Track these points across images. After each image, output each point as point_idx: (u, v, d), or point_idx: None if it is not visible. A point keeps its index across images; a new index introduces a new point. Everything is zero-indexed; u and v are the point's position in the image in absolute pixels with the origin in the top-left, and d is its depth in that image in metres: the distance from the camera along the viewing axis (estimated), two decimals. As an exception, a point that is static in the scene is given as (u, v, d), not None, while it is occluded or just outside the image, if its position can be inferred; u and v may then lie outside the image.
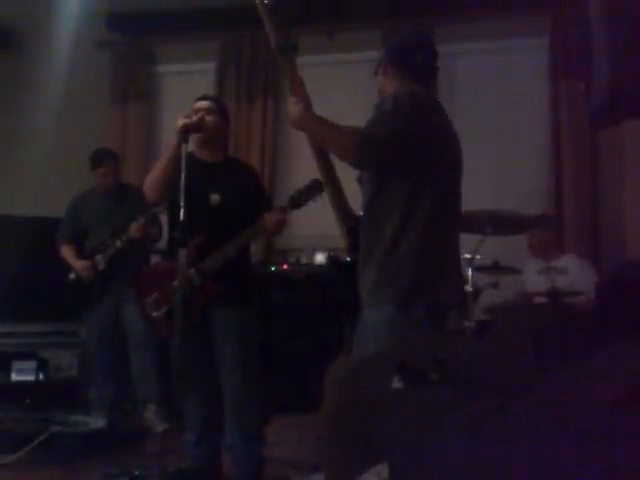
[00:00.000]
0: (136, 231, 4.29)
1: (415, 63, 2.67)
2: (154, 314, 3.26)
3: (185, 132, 3.01)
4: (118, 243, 4.43)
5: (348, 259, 2.71)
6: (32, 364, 4.81)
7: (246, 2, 5.47)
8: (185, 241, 2.88)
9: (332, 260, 4.72)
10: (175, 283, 2.99)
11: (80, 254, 4.64)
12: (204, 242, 3.13)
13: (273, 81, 5.68)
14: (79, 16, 5.65)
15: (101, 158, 4.78)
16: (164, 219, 3.73)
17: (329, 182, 2.67)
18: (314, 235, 5.11)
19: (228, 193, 3.22)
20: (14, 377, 4.78)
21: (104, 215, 4.64)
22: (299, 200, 3.23)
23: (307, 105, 2.51)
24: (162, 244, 4.38)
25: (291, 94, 2.54)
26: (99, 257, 4.52)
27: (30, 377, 4.78)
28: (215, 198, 3.20)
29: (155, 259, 4.66)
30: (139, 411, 4.60)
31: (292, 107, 2.52)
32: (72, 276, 4.59)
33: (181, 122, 3.03)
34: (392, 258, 2.41)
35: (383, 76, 2.66)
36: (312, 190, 3.22)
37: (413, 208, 2.41)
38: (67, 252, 4.66)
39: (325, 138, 2.52)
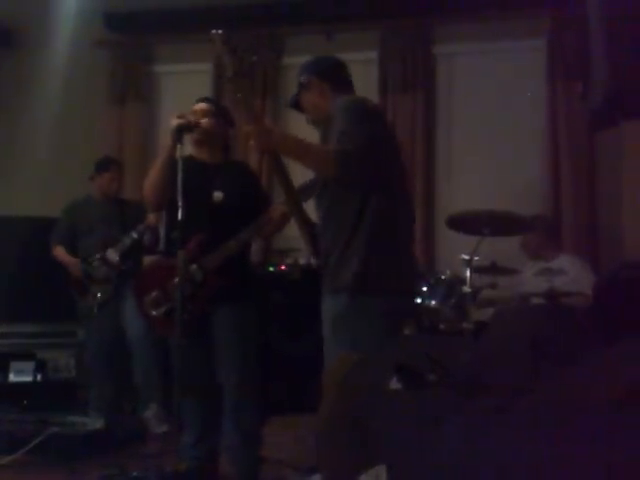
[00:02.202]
0: (154, 219, 4.32)
1: (341, 76, 2.83)
2: (153, 312, 3.25)
3: (179, 132, 3.03)
4: (134, 235, 4.44)
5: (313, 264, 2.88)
6: (30, 365, 4.80)
7: (244, 2, 5.52)
8: (184, 242, 2.89)
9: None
10: (175, 281, 2.98)
11: (73, 255, 4.63)
12: (206, 239, 3.13)
13: (272, 81, 5.69)
14: (77, 15, 5.65)
15: (109, 163, 4.81)
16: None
17: (288, 192, 2.75)
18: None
19: (230, 190, 3.23)
20: (12, 378, 4.77)
21: (101, 221, 4.63)
22: (304, 195, 3.24)
23: (267, 128, 2.55)
24: (160, 245, 4.39)
25: (250, 121, 2.55)
26: (111, 251, 4.51)
27: (28, 378, 4.77)
28: (217, 195, 3.22)
29: (147, 260, 4.66)
30: (139, 411, 4.59)
31: (255, 134, 2.52)
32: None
33: (175, 122, 3.06)
34: (348, 249, 2.57)
35: (311, 93, 2.76)
36: (317, 185, 3.23)
37: (367, 206, 2.56)
38: (59, 252, 4.65)
39: (298, 155, 2.61)
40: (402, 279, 2.63)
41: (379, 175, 2.57)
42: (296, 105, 2.85)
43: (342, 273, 2.58)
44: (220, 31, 2.54)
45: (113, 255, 4.51)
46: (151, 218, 4.37)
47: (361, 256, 2.55)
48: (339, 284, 2.59)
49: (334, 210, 2.65)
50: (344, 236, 2.59)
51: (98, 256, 4.53)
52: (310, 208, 2.81)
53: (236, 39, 2.56)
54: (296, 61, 5.80)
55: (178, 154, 2.95)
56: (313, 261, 2.86)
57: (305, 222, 2.78)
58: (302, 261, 5.15)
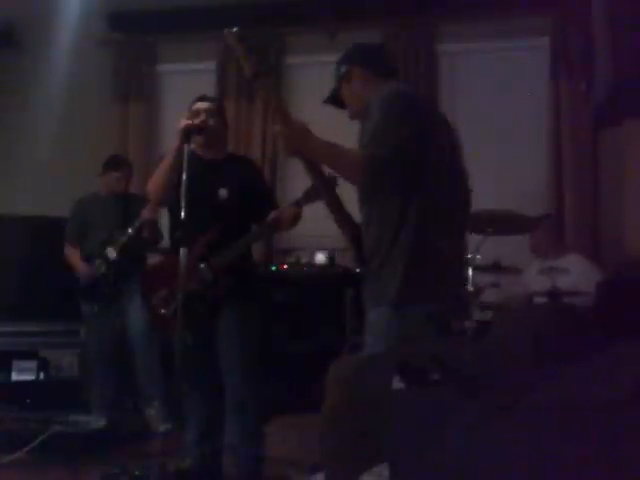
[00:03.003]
0: (149, 213, 4.30)
1: (384, 61, 2.65)
2: (163, 311, 3.24)
3: (187, 133, 3.01)
4: (130, 231, 4.43)
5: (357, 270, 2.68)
6: (33, 364, 4.80)
7: (245, 2, 5.51)
8: (187, 240, 2.88)
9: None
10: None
11: (84, 256, 4.63)
12: (214, 237, 3.13)
13: (274, 80, 5.68)
14: (81, 14, 5.65)
15: (119, 162, 4.81)
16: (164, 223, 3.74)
17: (328, 196, 2.60)
18: (314, 235, 5.11)
19: (234, 187, 3.23)
20: (14, 377, 4.77)
21: (107, 218, 4.63)
22: (314, 194, 3.24)
23: (297, 130, 2.39)
24: (165, 243, 4.39)
25: (278, 121, 2.41)
26: (110, 248, 4.51)
27: (30, 377, 4.77)
28: (223, 193, 3.21)
29: (152, 260, 4.67)
30: (142, 408, 4.60)
31: (283, 136, 2.40)
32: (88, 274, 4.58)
33: (183, 123, 3.04)
34: (388, 260, 2.40)
35: (353, 84, 2.58)
36: (318, 190, 3.23)
37: (407, 208, 2.38)
38: (71, 253, 4.66)
39: (327, 162, 2.45)
40: (446, 285, 2.46)
41: (418, 175, 2.37)
42: (334, 101, 2.66)
43: (385, 285, 2.40)
44: (235, 29, 2.39)
45: (112, 253, 4.51)
46: (145, 213, 4.35)
47: (403, 265, 2.37)
48: (382, 298, 2.41)
49: (374, 214, 2.47)
50: (385, 243, 2.41)
51: (96, 255, 4.54)
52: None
53: (252, 37, 2.41)
54: (298, 61, 5.83)
55: (185, 155, 2.93)
56: (357, 266, 2.73)
57: (347, 224, 2.59)
58: (305, 260, 5.15)
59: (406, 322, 2.36)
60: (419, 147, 2.35)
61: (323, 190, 2.60)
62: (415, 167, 2.36)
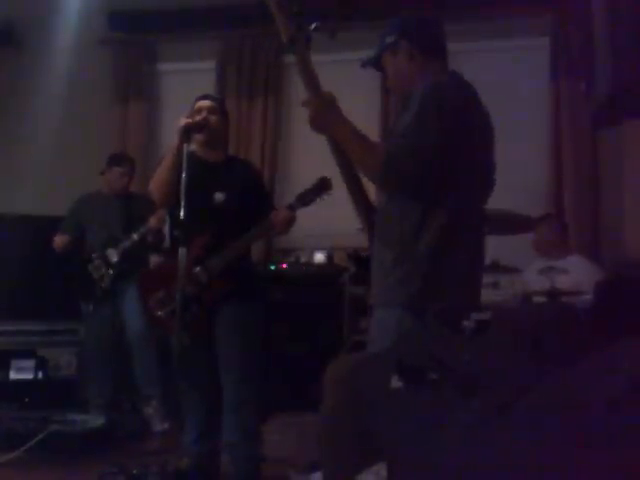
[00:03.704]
0: (156, 222, 4.30)
1: (434, 39, 2.42)
2: (159, 313, 3.25)
3: (187, 132, 3.00)
4: (135, 236, 4.43)
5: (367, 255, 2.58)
6: (31, 362, 4.81)
7: (247, 2, 5.50)
8: (185, 240, 2.87)
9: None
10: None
11: (81, 251, 4.63)
12: (210, 240, 3.13)
13: (274, 80, 5.68)
14: (81, 14, 5.66)
15: (121, 158, 4.83)
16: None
17: (348, 177, 2.42)
18: (314, 234, 5.11)
19: (231, 191, 3.22)
20: (13, 375, 4.78)
21: (109, 217, 4.63)
22: (307, 198, 3.24)
23: (328, 103, 2.28)
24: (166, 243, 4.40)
25: (307, 91, 2.32)
26: (111, 250, 4.51)
27: (29, 375, 4.78)
28: (219, 196, 3.21)
29: (154, 259, 4.67)
30: (140, 407, 4.60)
31: (313, 107, 2.28)
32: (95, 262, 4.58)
33: (183, 122, 3.03)
34: (406, 259, 2.24)
35: (398, 58, 2.39)
36: (320, 188, 3.24)
37: (434, 207, 2.22)
38: (57, 239, 4.67)
39: (348, 148, 2.28)
40: (464, 295, 2.32)
41: (445, 184, 2.21)
42: (375, 64, 2.48)
43: (399, 286, 2.25)
44: None
45: (112, 255, 4.51)
46: (153, 221, 4.35)
47: (420, 274, 2.22)
48: (396, 298, 2.27)
49: (392, 208, 2.30)
50: (402, 243, 2.25)
51: (95, 255, 4.53)
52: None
53: (298, 3, 2.33)
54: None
55: (185, 153, 2.93)
56: (366, 249, 2.53)
57: (367, 210, 2.45)
58: (304, 259, 5.15)
59: (416, 325, 2.24)
60: (448, 157, 2.18)
61: (342, 169, 2.40)
62: (443, 177, 2.20)
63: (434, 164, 2.16)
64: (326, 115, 2.28)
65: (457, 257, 2.24)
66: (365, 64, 2.54)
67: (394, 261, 2.26)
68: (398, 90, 2.45)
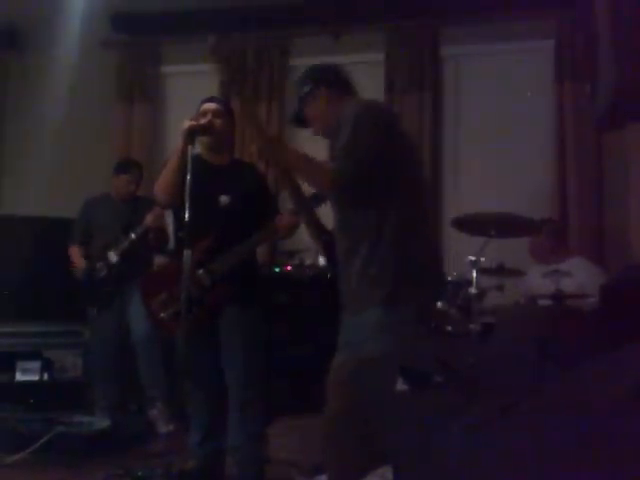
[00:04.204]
0: (153, 219, 4.31)
1: (344, 79, 2.74)
2: (162, 315, 3.26)
3: (191, 134, 3.01)
4: (132, 236, 4.45)
5: (329, 275, 2.81)
6: (36, 364, 4.81)
7: (250, 4, 5.52)
8: (190, 242, 2.88)
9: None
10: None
11: (87, 255, 4.65)
12: (213, 243, 3.14)
13: (278, 83, 5.69)
14: (84, 16, 5.66)
15: (129, 165, 4.85)
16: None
17: (299, 201, 2.73)
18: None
19: (237, 194, 3.23)
20: (18, 377, 4.78)
21: (115, 220, 4.65)
22: (312, 203, 3.24)
23: (276, 140, 2.57)
24: (170, 245, 4.40)
25: (253, 131, 2.58)
26: (111, 252, 4.53)
27: (34, 377, 4.78)
28: (224, 199, 3.21)
29: (158, 260, 4.68)
30: (145, 409, 4.60)
31: (262, 144, 2.52)
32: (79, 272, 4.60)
33: (187, 124, 3.04)
34: (373, 262, 2.47)
35: (318, 102, 2.66)
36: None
37: (385, 212, 2.47)
38: (74, 252, 4.68)
39: (300, 171, 2.58)
40: (429, 286, 2.56)
41: (390, 187, 2.48)
42: (298, 120, 2.76)
43: (371, 287, 2.47)
44: (213, 38, 2.56)
45: (113, 257, 4.52)
46: (149, 219, 4.36)
47: (390, 272, 2.45)
48: (368, 303, 2.47)
49: (348, 217, 2.58)
50: (365, 245, 2.49)
51: (97, 258, 4.55)
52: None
53: (229, 47, 2.50)
54: (303, 63, 5.81)
55: (189, 156, 2.93)
56: (329, 271, 2.83)
57: (319, 231, 2.75)
58: (308, 262, 5.15)
59: (396, 321, 2.42)
60: (390, 160, 2.47)
61: (296, 202, 2.75)
62: (388, 178, 2.47)
63: (376, 164, 2.42)
64: (274, 148, 2.53)
65: (415, 248, 2.49)
66: (292, 120, 2.82)
67: (362, 267, 2.48)
68: (324, 130, 2.67)
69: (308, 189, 2.78)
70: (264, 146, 2.51)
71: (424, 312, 2.53)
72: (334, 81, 2.70)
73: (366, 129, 2.44)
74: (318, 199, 3.14)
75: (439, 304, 3.77)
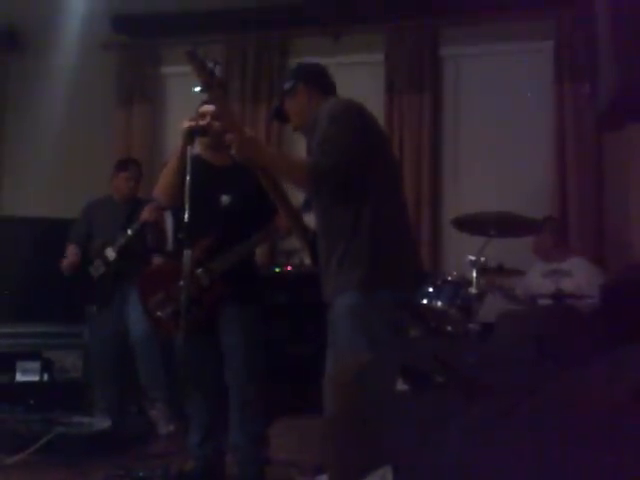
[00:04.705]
0: (149, 213, 4.31)
1: (326, 79, 2.80)
2: (159, 314, 3.26)
3: (190, 134, 3.02)
4: (129, 232, 4.45)
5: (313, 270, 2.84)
6: (36, 365, 4.81)
7: (251, 5, 5.52)
8: (189, 242, 2.89)
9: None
10: (180, 283, 2.99)
11: (85, 255, 4.65)
12: (213, 243, 3.14)
13: (278, 84, 5.69)
14: (85, 17, 5.67)
15: (127, 163, 4.86)
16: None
17: (281, 202, 2.77)
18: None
19: (237, 194, 3.24)
20: (18, 377, 4.78)
21: (114, 221, 4.64)
22: (301, 208, 3.24)
23: (249, 137, 2.56)
24: (169, 245, 4.40)
25: (230, 130, 2.56)
26: (109, 249, 4.53)
27: (34, 378, 4.78)
28: (225, 199, 3.22)
29: (156, 260, 4.68)
30: (145, 409, 4.60)
31: (239, 143, 2.51)
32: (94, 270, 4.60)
33: (186, 125, 3.05)
34: (350, 250, 2.53)
35: (297, 99, 2.72)
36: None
37: (362, 205, 2.53)
38: (70, 250, 4.68)
39: (276, 168, 2.61)
40: (408, 278, 2.61)
41: (366, 181, 2.53)
42: (279, 115, 2.82)
43: (349, 274, 2.52)
44: (189, 49, 2.54)
45: (111, 254, 4.53)
46: (145, 214, 4.36)
47: (365, 258, 2.51)
48: (347, 284, 2.53)
49: (327, 218, 2.64)
50: (341, 243, 2.55)
51: (95, 256, 4.55)
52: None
53: (201, 53, 2.56)
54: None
55: (188, 156, 2.94)
56: (313, 267, 2.85)
57: (302, 230, 2.81)
58: (308, 262, 5.15)
59: (374, 305, 2.47)
60: (367, 154, 2.51)
61: (279, 203, 2.78)
62: (363, 175, 2.51)
63: (352, 159, 2.47)
64: (249, 150, 2.53)
65: (391, 239, 2.56)
66: (271, 115, 2.93)
67: (341, 257, 2.54)
68: (302, 125, 2.73)
69: (298, 199, 2.86)
70: (240, 144, 2.51)
71: (403, 298, 2.57)
72: (316, 79, 2.76)
73: (342, 125, 2.49)
74: (308, 205, 3.15)
75: (439, 304, 3.78)
